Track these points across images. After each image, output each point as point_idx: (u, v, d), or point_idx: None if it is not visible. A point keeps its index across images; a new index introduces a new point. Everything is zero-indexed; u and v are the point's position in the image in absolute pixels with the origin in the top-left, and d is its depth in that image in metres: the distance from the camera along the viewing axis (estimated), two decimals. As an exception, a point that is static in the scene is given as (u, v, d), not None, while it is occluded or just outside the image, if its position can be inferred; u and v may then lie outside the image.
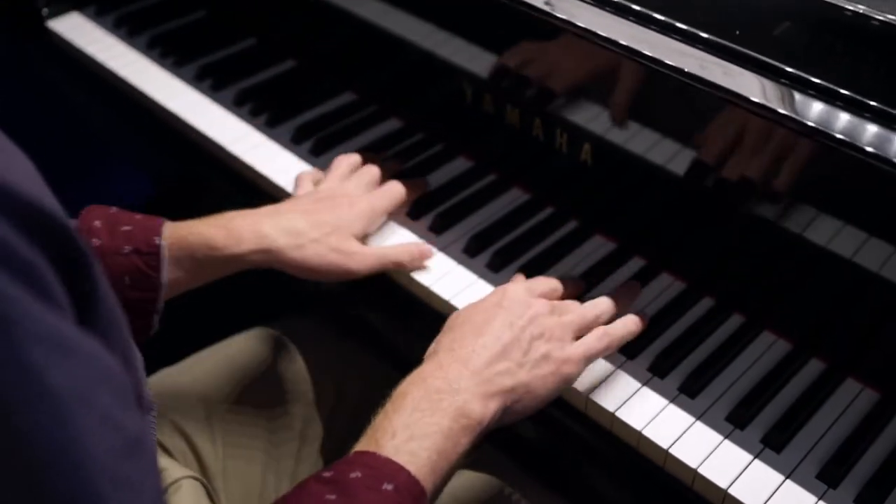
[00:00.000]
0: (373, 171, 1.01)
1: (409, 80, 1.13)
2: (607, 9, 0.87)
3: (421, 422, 0.70)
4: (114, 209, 0.89)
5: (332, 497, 0.64)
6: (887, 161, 0.71)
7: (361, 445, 0.69)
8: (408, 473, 0.66)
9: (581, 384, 0.82)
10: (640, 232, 0.96)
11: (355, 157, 1.03)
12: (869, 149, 0.72)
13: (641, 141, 0.89)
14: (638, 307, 0.90)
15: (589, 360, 0.80)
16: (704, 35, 0.82)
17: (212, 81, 1.21)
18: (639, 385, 0.83)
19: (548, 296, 0.85)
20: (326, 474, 0.66)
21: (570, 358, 0.78)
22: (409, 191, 1.00)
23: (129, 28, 1.30)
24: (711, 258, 0.92)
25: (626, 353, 0.86)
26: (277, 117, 1.14)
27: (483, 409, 0.73)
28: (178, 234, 0.87)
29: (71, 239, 0.43)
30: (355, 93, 1.18)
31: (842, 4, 0.81)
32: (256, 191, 1.08)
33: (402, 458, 0.67)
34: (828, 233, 0.79)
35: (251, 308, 1.20)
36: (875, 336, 0.83)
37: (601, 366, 0.84)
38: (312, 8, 1.17)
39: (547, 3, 0.91)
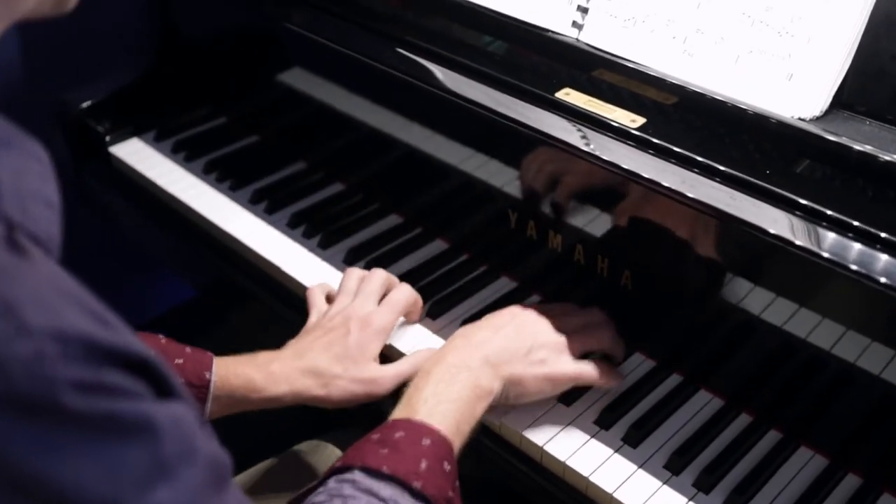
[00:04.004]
0: (377, 278, 1.07)
1: (455, 205, 1.20)
2: (645, 149, 0.96)
3: (445, 391, 0.86)
4: (163, 339, 0.97)
5: (385, 451, 0.77)
6: None
7: (399, 414, 0.84)
8: (439, 432, 0.81)
9: (608, 484, 0.90)
10: (672, 349, 1.03)
11: (361, 271, 1.10)
12: (882, 279, 0.80)
13: (676, 267, 0.97)
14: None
15: (576, 381, 0.96)
16: (734, 173, 0.91)
17: (266, 205, 1.28)
18: (660, 483, 0.91)
19: (558, 314, 0.99)
20: (374, 437, 0.80)
21: (562, 371, 0.94)
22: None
23: (186, 153, 1.38)
24: (721, 361, 1.00)
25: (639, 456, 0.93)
26: (330, 240, 1.21)
27: (491, 383, 0.89)
28: (222, 371, 0.95)
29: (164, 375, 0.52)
30: (401, 216, 1.26)
31: (850, 144, 0.90)
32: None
33: (434, 420, 0.82)
34: (832, 338, 0.88)
35: (297, 423, 1.25)
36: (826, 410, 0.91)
37: (624, 465, 0.92)
38: (358, 134, 1.26)
39: (587, 144, 0.99)
